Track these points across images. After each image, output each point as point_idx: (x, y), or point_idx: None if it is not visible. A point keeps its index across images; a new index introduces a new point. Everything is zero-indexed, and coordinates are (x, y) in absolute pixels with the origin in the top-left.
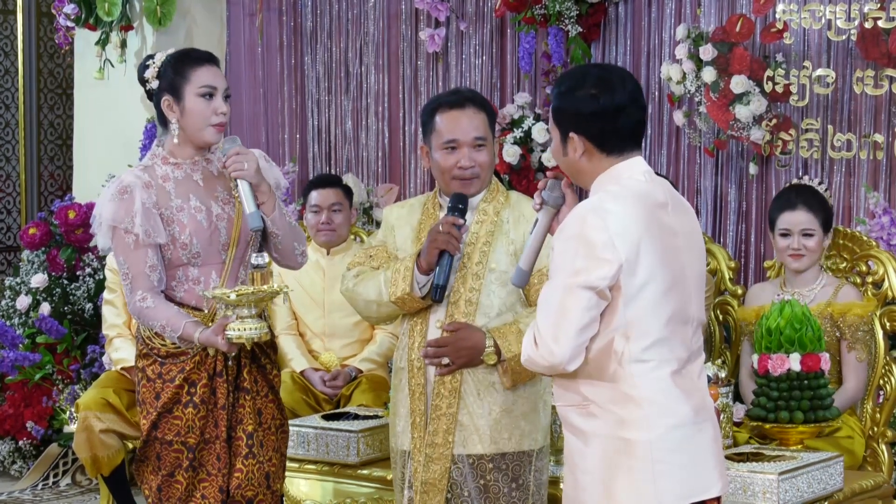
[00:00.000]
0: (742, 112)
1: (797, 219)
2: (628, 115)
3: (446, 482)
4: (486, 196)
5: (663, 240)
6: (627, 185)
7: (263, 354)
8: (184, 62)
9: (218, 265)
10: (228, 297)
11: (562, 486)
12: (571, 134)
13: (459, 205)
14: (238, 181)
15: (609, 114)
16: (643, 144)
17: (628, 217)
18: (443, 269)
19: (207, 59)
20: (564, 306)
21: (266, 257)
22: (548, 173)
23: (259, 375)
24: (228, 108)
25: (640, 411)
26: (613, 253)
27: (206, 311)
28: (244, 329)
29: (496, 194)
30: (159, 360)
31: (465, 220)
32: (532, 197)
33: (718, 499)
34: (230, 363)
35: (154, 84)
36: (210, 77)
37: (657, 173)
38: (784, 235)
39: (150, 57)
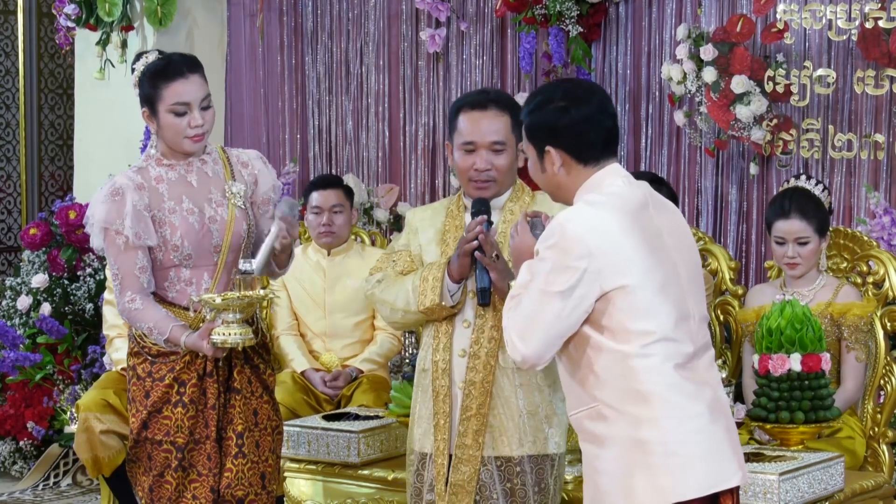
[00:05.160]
0: (743, 112)
1: (791, 227)
2: (599, 123)
3: (475, 484)
4: (512, 196)
5: (649, 241)
6: (608, 191)
7: (257, 355)
8: (157, 77)
9: (210, 267)
10: (214, 301)
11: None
12: (548, 148)
13: (482, 208)
14: (271, 229)
15: (581, 124)
16: (644, 144)
17: (607, 223)
18: (482, 272)
19: (182, 71)
20: (534, 310)
21: (253, 263)
22: (523, 216)
23: (253, 376)
24: (208, 116)
25: (650, 408)
26: (590, 261)
27: (192, 315)
28: (229, 334)
29: (521, 194)
30: (150, 358)
31: (493, 221)
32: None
33: (736, 491)
34: (220, 364)
35: (136, 91)
36: (182, 93)
37: (638, 173)
38: (779, 244)
39: (138, 57)
